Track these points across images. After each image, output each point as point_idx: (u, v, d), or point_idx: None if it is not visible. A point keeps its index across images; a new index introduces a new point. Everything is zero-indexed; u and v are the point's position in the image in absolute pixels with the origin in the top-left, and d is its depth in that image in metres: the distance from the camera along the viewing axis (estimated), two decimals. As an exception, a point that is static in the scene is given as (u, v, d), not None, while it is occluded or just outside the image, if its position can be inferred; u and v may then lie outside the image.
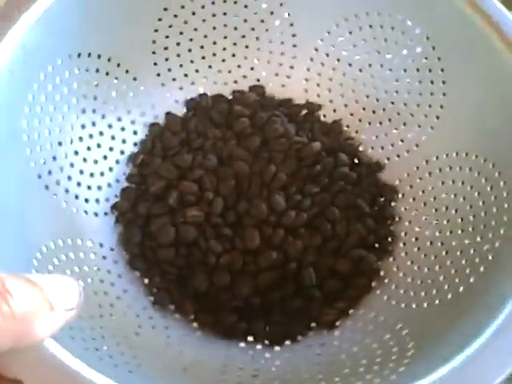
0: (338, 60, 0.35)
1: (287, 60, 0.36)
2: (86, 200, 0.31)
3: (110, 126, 0.33)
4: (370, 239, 0.32)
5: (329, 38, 0.35)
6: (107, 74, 0.32)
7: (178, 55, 0.35)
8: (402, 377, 0.22)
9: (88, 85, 0.31)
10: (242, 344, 0.30)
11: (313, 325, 0.30)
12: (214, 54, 0.36)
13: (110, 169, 0.33)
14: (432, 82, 0.32)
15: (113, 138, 0.34)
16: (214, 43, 0.36)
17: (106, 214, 0.32)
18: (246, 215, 0.32)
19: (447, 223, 0.30)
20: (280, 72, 0.37)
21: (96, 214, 0.32)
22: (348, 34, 0.34)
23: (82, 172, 0.32)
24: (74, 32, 0.29)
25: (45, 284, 0.18)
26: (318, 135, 0.35)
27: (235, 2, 0.34)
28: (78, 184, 0.31)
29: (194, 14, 0.34)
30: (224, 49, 0.36)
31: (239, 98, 0.36)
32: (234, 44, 0.36)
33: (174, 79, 0.36)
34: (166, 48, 0.34)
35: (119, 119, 0.34)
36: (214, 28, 0.35)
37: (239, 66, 0.37)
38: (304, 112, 0.36)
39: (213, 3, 0.34)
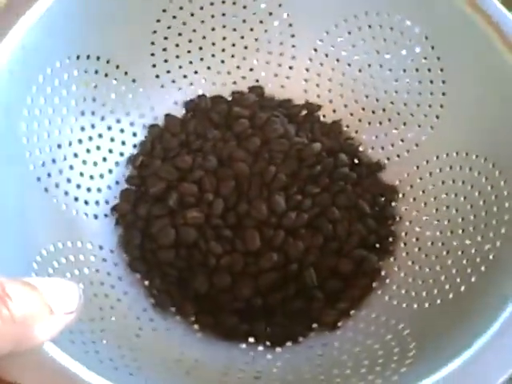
0: (338, 60, 0.35)
1: (286, 60, 0.36)
2: (86, 202, 0.31)
3: (109, 128, 0.33)
4: (371, 239, 0.32)
5: (328, 39, 0.35)
6: (106, 75, 0.32)
7: (177, 56, 0.35)
8: (403, 377, 0.22)
9: (87, 87, 0.31)
10: (243, 345, 0.30)
11: (314, 326, 0.30)
12: (213, 55, 0.36)
13: (110, 171, 0.33)
14: (431, 82, 0.32)
15: (112, 139, 0.34)
16: (213, 44, 0.36)
17: (105, 216, 0.32)
18: (247, 216, 0.32)
19: (448, 223, 0.30)
20: (279, 72, 0.37)
21: (96, 217, 0.32)
22: (347, 34, 0.34)
23: (81, 174, 0.31)
24: (73, 33, 0.29)
25: (44, 287, 0.18)
26: (318, 135, 0.35)
27: (234, 3, 0.34)
28: (78, 186, 0.31)
29: (192, 15, 0.34)
30: (223, 50, 0.36)
31: (238, 99, 0.36)
32: (233, 45, 0.36)
33: (173, 81, 0.36)
34: (164, 49, 0.34)
35: (118, 121, 0.34)
36: (213, 29, 0.35)
37: (238, 67, 0.36)
38: (304, 112, 0.36)
39: (211, 4, 0.34)
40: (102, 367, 0.22)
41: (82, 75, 0.31)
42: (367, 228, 0.32)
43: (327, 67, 0.36)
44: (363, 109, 0.35)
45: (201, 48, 0.35)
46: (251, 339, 0.30)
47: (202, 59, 0.36)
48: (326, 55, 0.35)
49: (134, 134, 0.35)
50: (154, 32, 0.34)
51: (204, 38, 0.35)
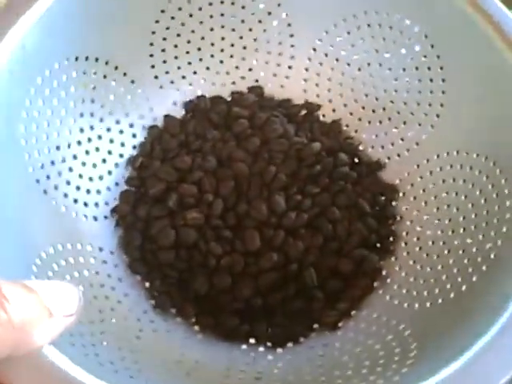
0: (337, 60, 0.35)
1: (285, 60, 0.36)
2: (86, 204, 0.31)
3: (108, 130, 0.33)
4: (372, 239, 0.32)
5: (327, 38, 0.35)
6: (105, 76, 0.32)
7: (176, 57, 0.35)
8: (405, 378, 0.22)
9: (85, 88, 0.31)
10: (244, 346, 0.30)
11: (315, 326, 0.30)
12: (212, 56, 0.36)
13: (109, 172, 0.33)
14: (431, 80, 0.31)
15: (111, 141, 0.33)
16: (212, 44, 0.35)
17: (105, 217, 0.32)
18: (246, 217, 0.31)
19: (449, 222, 0.29)
20: (278, 72, 0.37)
21: (95, 218, 0.32)
22: (346, 33, 0.34)
23: (80, 176, 0.31)
24: (73, 33, 0.29)
25: (43, 290, 0.18)
26: (318, 135, 0.35)
27: (232, 3, 0.34)
28: (77, 188, 0.31)
29: (191, 15, 0.34)
30: (222, 50, 0.36)
31: (238, 99, 0.36)
32: (232, 45, 0.36)
33: (172, 81, 0.35)
34: (163, 50, 0.34)
35: (117, 122, 0.34)
36: (212, 29, 0.35)
37: (237, 67, 0.36)
38: (303, 112, 0.36)
39: (210, 4, 0.34)
40: (102, 370, 0.22)
41: (81, 76, 0.31)
42: (368, 227, 0.32)
43: (326, 67, 0.36)
44: (363, 108, 0.35)
45: (199, 48, 0.35)
46: (252, 340, 0.30)
47: (200, 60, 0.36)
48: (326, 55, 0.35)
49: (134, 135, 0.35)
50: (153, 33, 0.33)
51: (203, 38, 0.35)
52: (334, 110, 0.36)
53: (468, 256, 0.27)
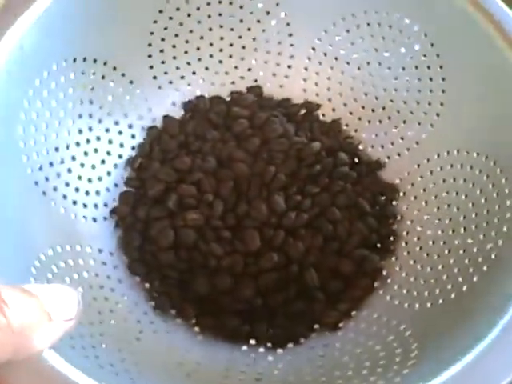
0: (336, 59, 0.35)
1: (285, 60, 0.36)
2: (85, 205, 0.31)
3: (107, 131, 0.33)
4: (372, 239, 0.32)
5: (326, 37, 0.35)
6: (103, 77, 0.32)
7: (174, 57, 0.35)
8: (406, 379, 0.22)
9: (84, 89, 0.31)
10: (245, 347, 0.29)
11: (315, 326, 0.30)
12: (211, 56, 0.36)
13: (108, 173, 0.33)
14: (431, 79, 0.31)
15: (110, 142, 0.33)
16: (211, 44, 0.35)
17: (104, 218, 0.32)
18: (246, 217, 0.31)
19: (449, 222, 0.29)
20: (278, 72, 0.37)
21: (95, 220, 0.31)
22: (345, 32, 0.34)
23: (79, 177, 0.31)
24: (71, 34, 0.29)
25: (42, 294, 0.17)
26: (318, 135, 0.35)
27: (231, 3, 0.34)
28: (76, 189, 0.31)
29: (189, 15, 0.34)
30: (221, 50, 0.36)
31: (237, 99, 0.36)
32: (231, 45, 0.36)
33: (170, 82, 0.35)
34: (161, 50, 0.34)
35: (116, 123, 0.34)
36: (210, 29, 0.35)
37: (236, 67, 0.36)
38: (303, 111, 0.36)
39: (208, 4, 0.34)
40: (102, 373, 0.22)
41: (79, 77, 0.31)
42: (368, 227, 0.32)
43: (326, 66, 0.35)
44: (363, 107, 0.35)
45: (198, 48, 0.35)
46: (252, 341, 0.30)
47: (199, 60, 0.36)
48: (325, 54, 0.35)
49: (133, 136, 0.35)
50: (151, 33, 0.33)
51: (201, 38, 0.35)
52: (333, 110, 0.36)
53: (469, 256, 0.27)
